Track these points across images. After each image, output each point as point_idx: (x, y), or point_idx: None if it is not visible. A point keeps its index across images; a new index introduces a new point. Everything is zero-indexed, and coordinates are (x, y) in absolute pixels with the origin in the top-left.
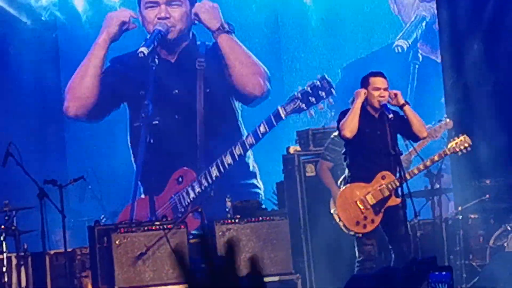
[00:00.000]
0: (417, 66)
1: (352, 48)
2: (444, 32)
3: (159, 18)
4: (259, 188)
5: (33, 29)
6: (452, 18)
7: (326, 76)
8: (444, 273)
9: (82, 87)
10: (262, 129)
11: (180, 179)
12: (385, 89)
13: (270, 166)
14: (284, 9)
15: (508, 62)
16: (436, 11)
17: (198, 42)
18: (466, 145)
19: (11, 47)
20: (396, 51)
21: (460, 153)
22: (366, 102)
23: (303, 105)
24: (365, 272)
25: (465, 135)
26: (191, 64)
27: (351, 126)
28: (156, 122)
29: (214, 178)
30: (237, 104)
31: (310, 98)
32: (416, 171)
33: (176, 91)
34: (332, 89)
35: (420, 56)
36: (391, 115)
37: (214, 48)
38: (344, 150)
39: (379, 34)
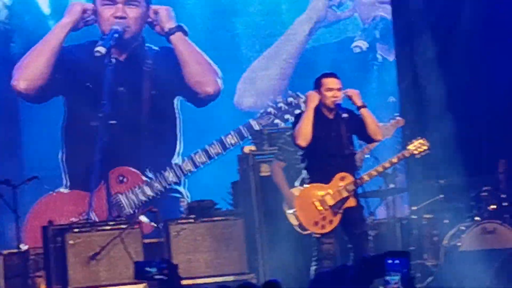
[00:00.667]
0: (375, 67)
1: None
2: (398, 33)
3: (115, 17)
4: (180, 193)
5: None
6: (406, 19)
7: (300, 94)
8: (400, 259)
9: (34, 66)
10: (231, 140)
11: (121, 178)
12: (338, 89)
13: (226, 166)
14: None
15: (461, 63)
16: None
17: (146, 46)
18: (425, 147)
19: None
20: (355, 51)
21: (418, 156)
22: (320, 104)
23: (279, 121)
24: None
25: (423, 138)
26: (139, 65)
27: (304, 134)
28: (114, 122)
29: (169, 183)
30: (179, 111)
31: (285, 115)
32: (374, 173)
33: (122, 88)
34: None
35: (379, 57)
36: (345, 115)
37: (162, 52)
38: (301, 152)
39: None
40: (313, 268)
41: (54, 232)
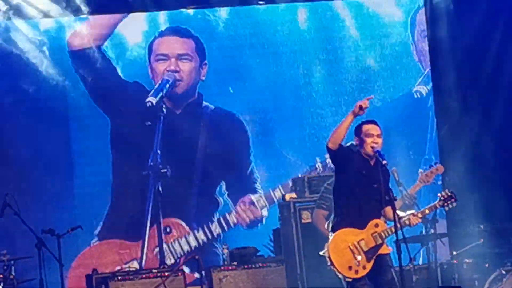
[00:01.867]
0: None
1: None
2: (436, 83)
3: (168, 71)
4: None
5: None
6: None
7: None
8: None
9: None
10: (278, 193)
11: (168, 229)
12: (378, 136)
13: (267, 213)
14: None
15: (498, 112)
16: None
17: (204, 104)
18: (453, 201)
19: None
20: (415, 96)
21: (447, 209)
22: (361, 150)
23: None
24: None
25: (451, 192)
26: (195, 121)
27: (336, 138)
28: (165, 170)
29: (215, 235)
30: None
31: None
32: (407, 222)
33: (176, 142)
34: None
35: None
36: (385, 161)
37: (216, 113)
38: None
39: (401, 80)
40: None
41: (98, 280)
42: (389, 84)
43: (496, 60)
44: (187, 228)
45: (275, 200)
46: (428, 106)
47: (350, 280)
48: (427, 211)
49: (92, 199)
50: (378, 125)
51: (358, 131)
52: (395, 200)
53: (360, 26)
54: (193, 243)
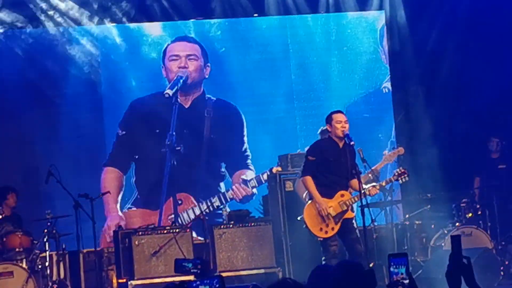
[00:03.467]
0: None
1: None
2: (394, 78)
3: (179, 67)
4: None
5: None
6: (400, 67)
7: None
8: (402, 258)
9: None
10: (265, 177)
11: (179, 201)
12: (345, 122)
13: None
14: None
15: (442, 102)
16: None
17: (206, 96)
18: (405, 175)
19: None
20: (384, 91)
21: (401, 182)
22: (332, 134)
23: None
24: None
25: (403, 168)
26: (200, 112)
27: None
28: (179, 148)
29: (214, 207)
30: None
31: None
32: (368, 193)
33: (186, 131)
34: None
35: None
36: (352, 142)
37: (219, 103)
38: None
39: (373, 78)
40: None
41: (123, 235)
42: (362, 82)
43: (442, 61)
44: (194, 201)
45: (263, 181)
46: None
47: (321, 239)
48: (384, 184)
49: None
50: (343, 113)
51: (329, 119)
52: (360, 174)
53: (337, 37)
54: (197, 212)
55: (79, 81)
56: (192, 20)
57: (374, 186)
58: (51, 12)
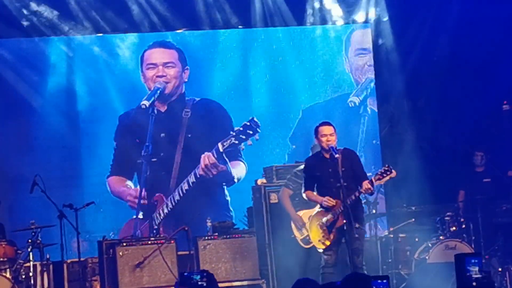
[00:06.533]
0: (366, 118)
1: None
2: (379, 92)
3: (157, 76)
4: (231, 214)
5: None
6: (385, 80)
7: (255, 118)
8: (383, 281)
9: None
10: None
11: (155, 202)
12: (331, 135)
13: (243, 195)
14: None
15: (427, 115)
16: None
17: (187, 98)
18: (389, 172)
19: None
20: (350, 105)
21: (383, 182)
22: (321, 147)
23: (236, 141)
24: (325, 276)
25: (388, 166)
26: (178, 114)
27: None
28: (155, 160)
29: (176, 201)
30: None
31: (241, 135)
32: (353, 197)
33: (163, 135)
34: (258, 129)
35: (369, 110)
36: (337, 155)
37: (201, 102)
38: (303, 182)
39: (334, 85)
40: (321, 274)
41: (107, 245)
42: (325, 88)
43: (427, 75)
44: (165, 199)
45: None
46: (360, 113)
47: (321, 250)
48: (374, 179)
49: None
50: (331, 125)
51: (315, 132)
52: (346, 186)
53: (303, 49)
54: (165, 211)
55: (58, 89)
56: (177, 31)
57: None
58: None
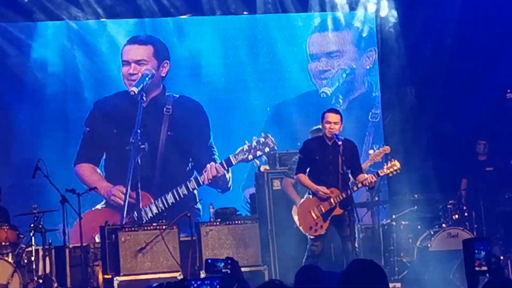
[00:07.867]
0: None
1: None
2: (383, 79)
3: (129, 74)
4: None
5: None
6: (391, 70)
7: (269, 135)
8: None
9: None
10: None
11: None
12: (335, 123)
13: (246, 180)
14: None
15: (433, 105)
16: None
17: (167, 94)
18: (396, 168)
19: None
20: (322, 96)
21: (391, 175)
22: (323, 132)
23: (251, 156)
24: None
25: (395, 161)
26: (159, 110)
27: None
28: (144, 146)
29: (170, 204)
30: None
31: (257, 152)
32: (355, 188)
33: (142, 130)
34: (275, 146)
35: (340, 100)
36: (340, 143)
37: (180, 99)
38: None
39: (305, 81)
40: (303, 262)
41: (109, 231)
42: (297, 82)
43: (432, 63)
44: (151, 198)
45: (233, 163)
46: (331, 103)
47: (312, 237)
48: (380, 172)
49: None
50: (338, 113)
51: (322, 117)
52: (346, 174)
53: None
54: (154, 211)
55: (58, 76)
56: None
57: (356, 185)
58: None
